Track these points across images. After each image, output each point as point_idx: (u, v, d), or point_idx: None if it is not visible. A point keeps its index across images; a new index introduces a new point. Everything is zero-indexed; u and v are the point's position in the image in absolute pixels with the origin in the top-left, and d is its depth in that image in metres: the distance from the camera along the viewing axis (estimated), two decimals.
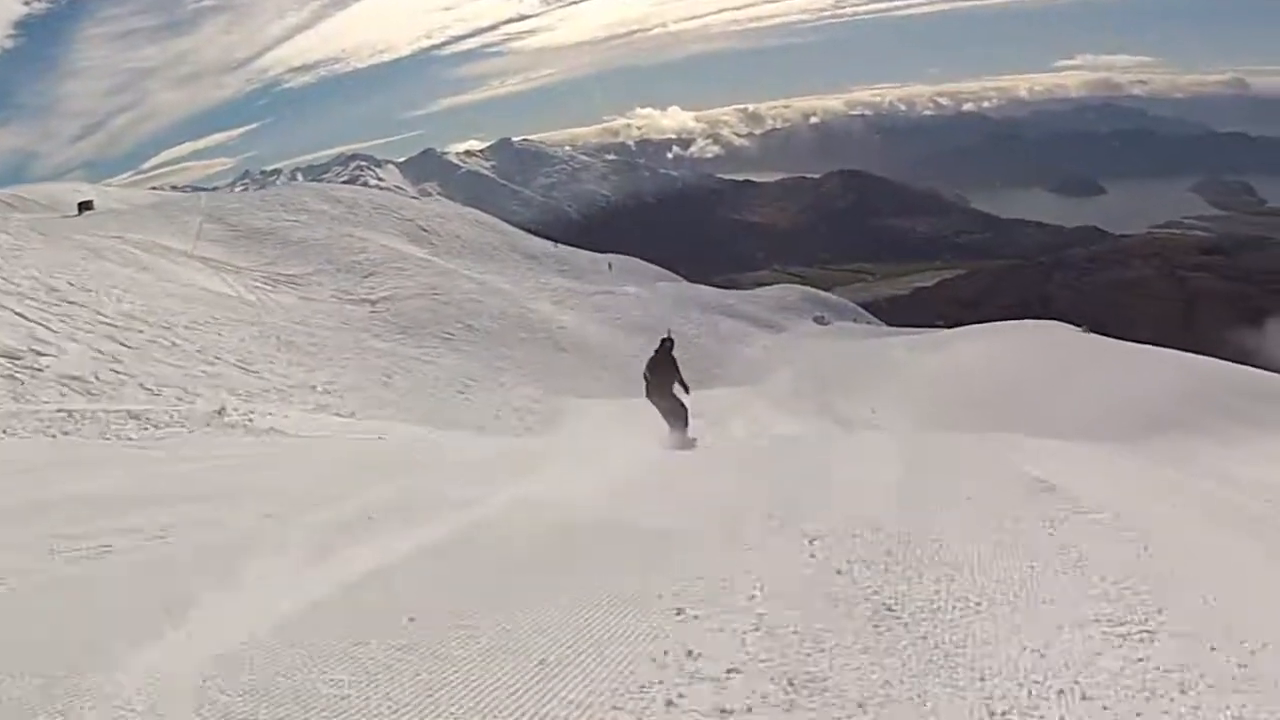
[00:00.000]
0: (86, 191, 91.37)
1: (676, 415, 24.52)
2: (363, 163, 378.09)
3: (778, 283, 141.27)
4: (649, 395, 25.30)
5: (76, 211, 76.47)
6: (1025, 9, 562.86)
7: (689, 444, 23.11)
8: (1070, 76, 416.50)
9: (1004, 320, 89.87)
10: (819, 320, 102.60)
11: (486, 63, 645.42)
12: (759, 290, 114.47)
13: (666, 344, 25.90)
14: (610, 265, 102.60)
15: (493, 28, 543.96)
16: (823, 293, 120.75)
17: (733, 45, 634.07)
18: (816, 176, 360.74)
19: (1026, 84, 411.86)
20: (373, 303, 62.39)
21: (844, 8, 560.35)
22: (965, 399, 49.56)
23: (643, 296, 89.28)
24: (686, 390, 25.22)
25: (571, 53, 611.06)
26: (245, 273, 62.11)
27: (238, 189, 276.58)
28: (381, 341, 53.55)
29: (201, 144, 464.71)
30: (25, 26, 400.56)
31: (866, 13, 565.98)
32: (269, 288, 60.03)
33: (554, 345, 66.08)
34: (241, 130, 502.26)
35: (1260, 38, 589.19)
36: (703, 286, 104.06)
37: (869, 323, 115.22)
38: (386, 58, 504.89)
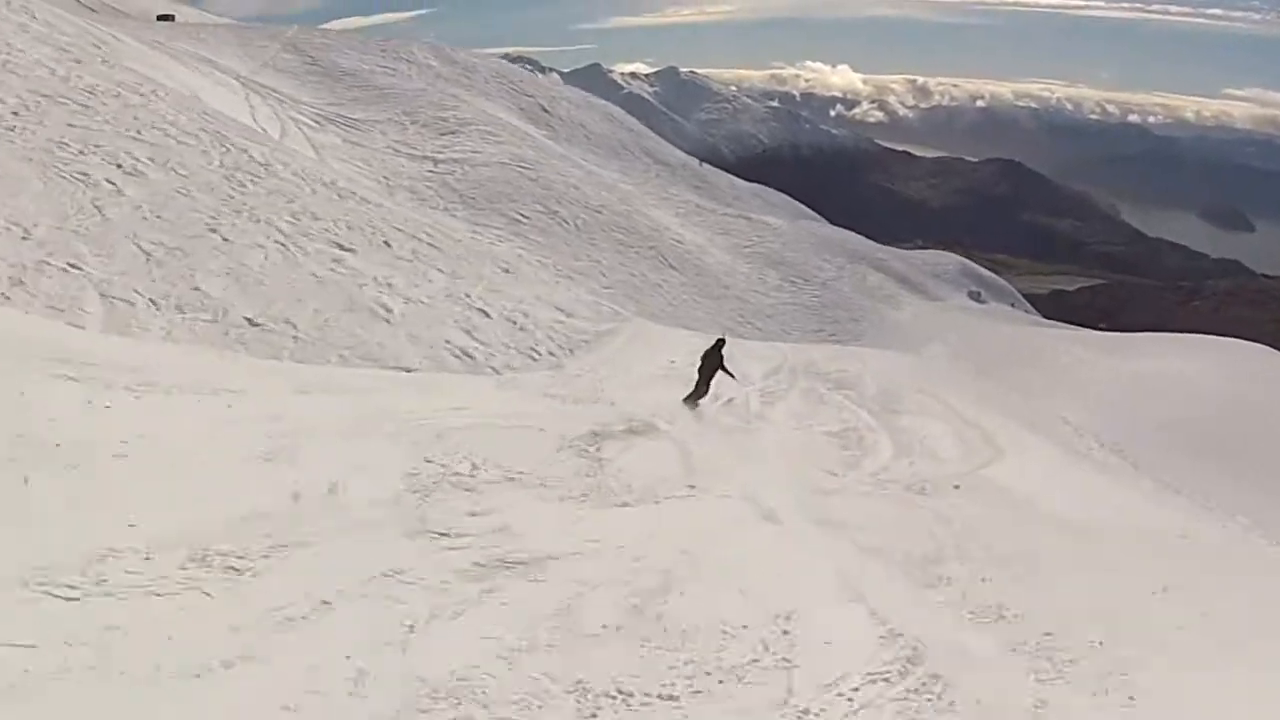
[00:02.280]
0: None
1: (700, 391, 24.17)
2: (527, 66, 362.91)
3: None
4: (699, 371, 24.50)
5: (156, 20, 68.24)
6: (1204, 31, 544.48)
7: (693, 406, 23.84)
8: (1238, 107, 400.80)
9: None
10: (974, 296, 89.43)
11: None
12: (914, 252, 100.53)
13: (720, 344, 25.07)
14: (701, 163, 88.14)
15: None
16: (981, 269, 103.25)
17: (913, 14, 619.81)
18: (974, 160, 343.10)
19: (1194, 106, 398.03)
20: (436, 161, 51.17)
21: None
22: (1187, 428, 39.80)
23: (783, 230, 75.41)
24: (732, 377, 25.22)
25: None
26: (295, 105, 51.43)
27: None
28: (424, 210, 41.02)
29: (369, 21, 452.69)
30: None
31: (1047, 6, 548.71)
32: (312, 125, 49.25)
33: (660, 259, 54.00)
34: (412, 14, 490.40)
35: None
36: (850, 233, 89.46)
37: (1026, 310, 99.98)
38: None
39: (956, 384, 40.09)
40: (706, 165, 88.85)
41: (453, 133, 55.28)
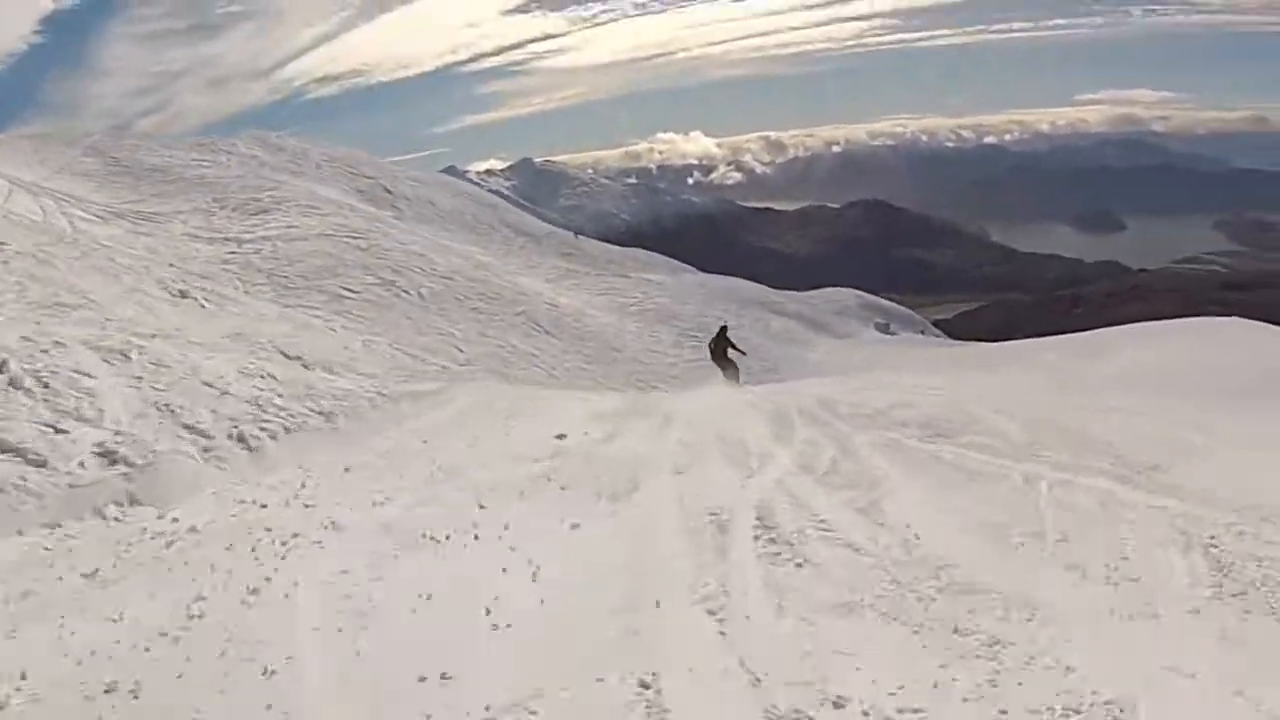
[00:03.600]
0: None
1: (732, 372, 30.62)
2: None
3: None
4: (713, 360, 31.45)
5: None
6: (1047, 43, 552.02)
7: (740, 388, 28.18)
8: (1091, 111, 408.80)
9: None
10: (882, 328, 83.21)
11: (511, 81, 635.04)
12: (808, 293, 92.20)
13: (724, 329, 32.10)
14: (577, 234, 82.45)
15: (518, 46, 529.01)
16: (882, 300, 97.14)
17: (757, 72, 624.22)
18: (837, 206, 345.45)
19: (1049, 118, 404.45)
20: (241, 242, 42.88)
21: (866, 38, 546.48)
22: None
23: (668, 284, 68.98)
24: (743, 354, 31.92)
25: (596, 74, 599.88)
26: (80, 204, 44.34)
27: None
28: (217, 289, 34.14)
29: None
30: (53, 23, 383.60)
31: (890, 44, 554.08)
32: (97, 220, 42.18)
33: (532, 325, 45.77)
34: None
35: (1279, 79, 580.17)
36: (739, 280, 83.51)
37: (937, 335, 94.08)
38: (411, 72, 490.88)
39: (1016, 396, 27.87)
40: (582, 236, 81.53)
41: (265, 211, 47.83)
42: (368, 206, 58.63)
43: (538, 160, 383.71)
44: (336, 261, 41.71)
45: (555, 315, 47.51)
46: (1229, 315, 73.00)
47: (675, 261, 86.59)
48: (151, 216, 44.75)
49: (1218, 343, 43.83)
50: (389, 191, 65.26)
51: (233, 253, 40.82)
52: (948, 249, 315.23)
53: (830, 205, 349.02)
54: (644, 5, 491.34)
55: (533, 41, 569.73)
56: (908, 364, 52.39)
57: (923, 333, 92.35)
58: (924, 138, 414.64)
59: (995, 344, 71.11)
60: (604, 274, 64.96)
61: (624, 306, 57.03)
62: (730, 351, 31.70)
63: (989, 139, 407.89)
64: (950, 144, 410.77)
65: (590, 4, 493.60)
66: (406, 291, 41.06)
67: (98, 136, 61.28)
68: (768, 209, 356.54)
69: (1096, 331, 60.31)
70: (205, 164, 57.12)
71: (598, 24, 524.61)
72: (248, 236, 43.09)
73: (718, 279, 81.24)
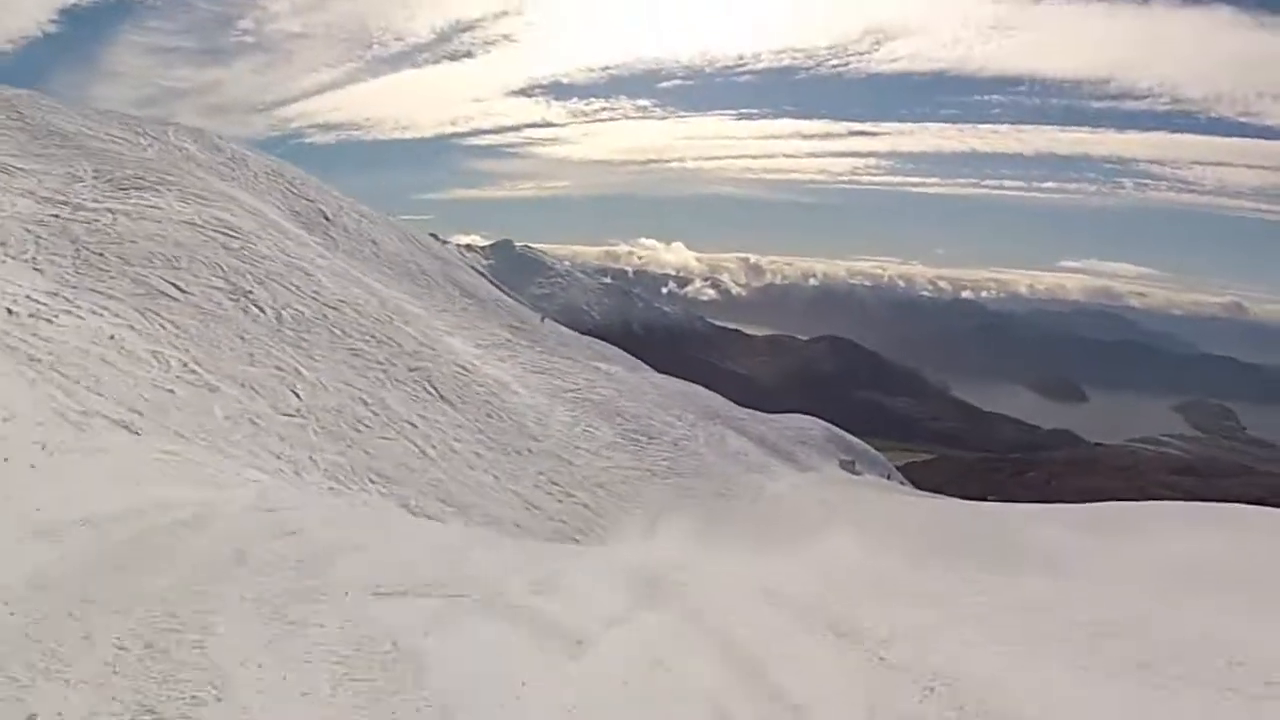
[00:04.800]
0: None
1: None
2: None
3: None
4: None
5: None
6: (1037, 205, 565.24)
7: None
8: (1071, 279, 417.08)
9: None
10: (846, 466, 70.11)
11: (504, 161, 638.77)
12: (775, 416, 79.53)
13: None
14: (544, 319, 69.03)
15: (516, 129, 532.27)
16: (849, 436, 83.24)
17: (747, 193, 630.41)
18: (804, 338, 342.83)
19: (1028, 280, 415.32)
20: (79, 208, 32.92)
21: (859, 175, 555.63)
22: None
23: (620, 375, 58.10)
24: None
25: (588, 169, 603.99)
26: None
27: None
28: None
29: None
30: (72, 17, 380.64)
31: (881, 184, 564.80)
32: None
33: (425, 387, 34.60)
34: None
35: (1264, 267, 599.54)
36: (700, 387, 72.25)
37: (901, 482, 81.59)
38: (408, 135, 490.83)
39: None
40: (549, 320, 70.53)
41: (141, 189, 37.08)
42: (295, 228, 48.44)
43: (518, 244, 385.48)
44: (184, 254, 31.78)
45: (464, 381, 37.73)
46: (1178, 500, 66.36)
47: (634, 359, 75.05)
48: (4, 167, 35.11)
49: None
50: (327, 219, 54.73)
51: (56, 216, 31.28)
52: (907, 396, 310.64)
53: (798, 336, 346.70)
54: (646, 110, 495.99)
55: (531, 126, 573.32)
56: (877, 523, 40.77)
57: (888, 477, 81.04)
58: (901, 283, 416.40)
59: (969, 502, 60.87)
60: (550, 353, 54.56)
61: (560, 390, 46.92)
62: None
63: (965, 293, 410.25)
64: (927, 293, 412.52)
65: (593, 99, 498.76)
66: (262, 309, 30.94)
67: (26, 94, 50.55)
68: (737, 330, 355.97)
69: (1095, 507, 52.90)
70: (118, 139, 46.34)
71: (598, 120, 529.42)
72: (93, 205, 33.55)
73: (676, 382, 70.95)
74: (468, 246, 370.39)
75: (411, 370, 33.50)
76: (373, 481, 23.49)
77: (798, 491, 51.30)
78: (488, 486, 27.99)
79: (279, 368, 26.82)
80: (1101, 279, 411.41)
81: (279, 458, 21.35)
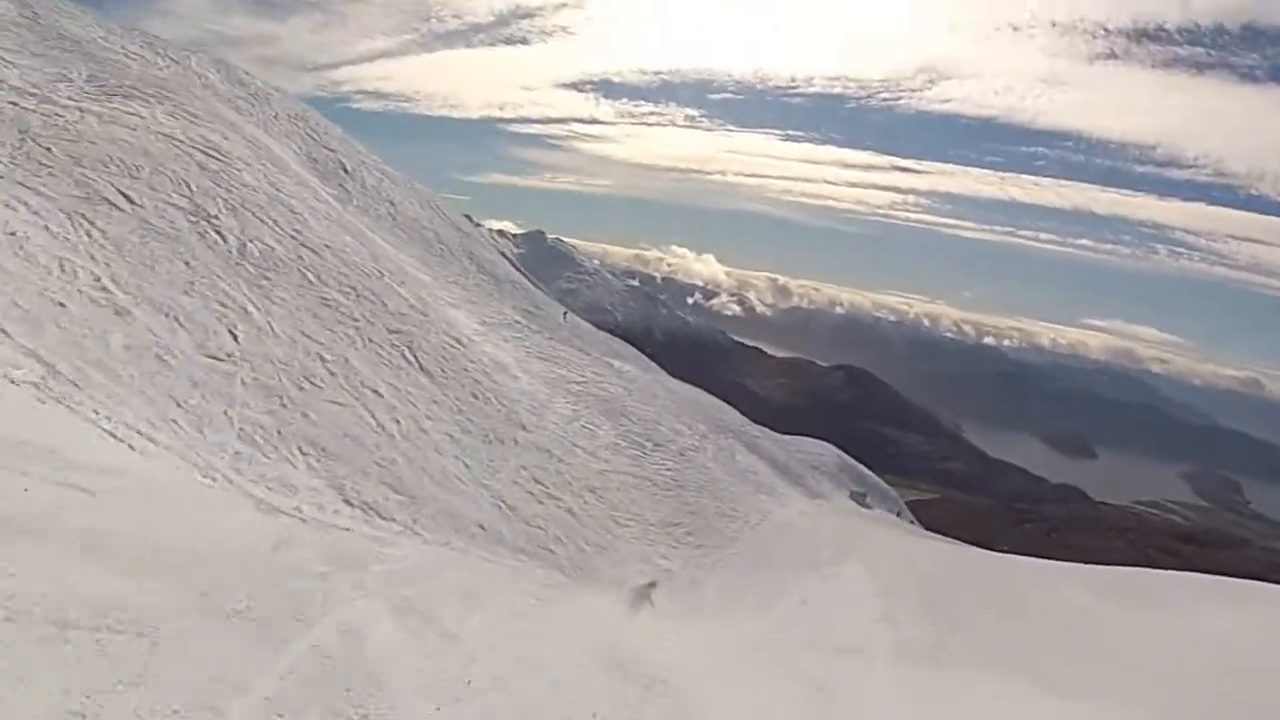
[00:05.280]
0: None
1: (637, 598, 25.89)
2: None
3: None
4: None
5: None
6: (1068, 260, 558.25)
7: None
8: (1095, 337, 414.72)
9: None
10: (857, 498, 69.21)
11: (547, 152, 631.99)
12: (788, 437, 77.33)
13: (652, 585, 27.24)
14: (566, 315, 65.38)
15: (562, 121, 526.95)
16: (861, 467, 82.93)
17: (783, 214, 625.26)
18: (824, 365, 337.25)
19: (1051, 333, 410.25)
20: (44, 100, 29.69)
21: (896, 211, 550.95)
22: None
23: (631, 375, 53.78)
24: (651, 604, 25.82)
25: (630, 171, 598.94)
26: None
27: None
28: None
29: None
30: None
31: (917, 222, 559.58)
32: None
33: (405, 354, 30.27)
34: None
35: None
36: (715, 399, 69.90)
37: (910, 521, 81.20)
38: (455, 114, 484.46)
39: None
40: (571, 315, 66.80)
41: (127, 97, 33.15)
42: (308, 174, 44.37)
43: (550, 236, 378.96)
44: (148, 165, 27.84)
45: (453, 355, 33.41)
46: (1180, 570, 63.78)
47: (649, 361, 73.21)
48: None
49: None
50: (345, 171, 50.76)
51: (14, 104, 28.09)
52: (919, 434, 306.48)
53: (818, 362, 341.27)
54: (694, 119, 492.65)
55: (578, 121, 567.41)
56: (890, 564, 39.48)
57: (898, 513, 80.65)
58: (926, 321, 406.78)
59: (982, 551, 55.90)
60: (560, 342, 50.59)
61: (564, 380, 42.79)
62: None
63: (988, 339, 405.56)
64: (950, 334, 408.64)
65: (643, 102, 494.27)
66: (223, 236, 26.76)
67: None
68: (757, 349, 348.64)
69: (1113, 570, 46.68)
70: (133, 54, 43.00)
71: (645, 123, 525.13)
72: (65, 103, 29.87)
73: (691, 390, 68.68)
74: (500, 232, 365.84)
75: (392, 333, 29.41)
76: (303, 452, 19.55)
77: (807, 520, 48.20)
78: (454, 477, 24.23)
79: (222, 303, 22.74)
80: (1125, 340, 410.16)
81: (180, 405, 17.65)
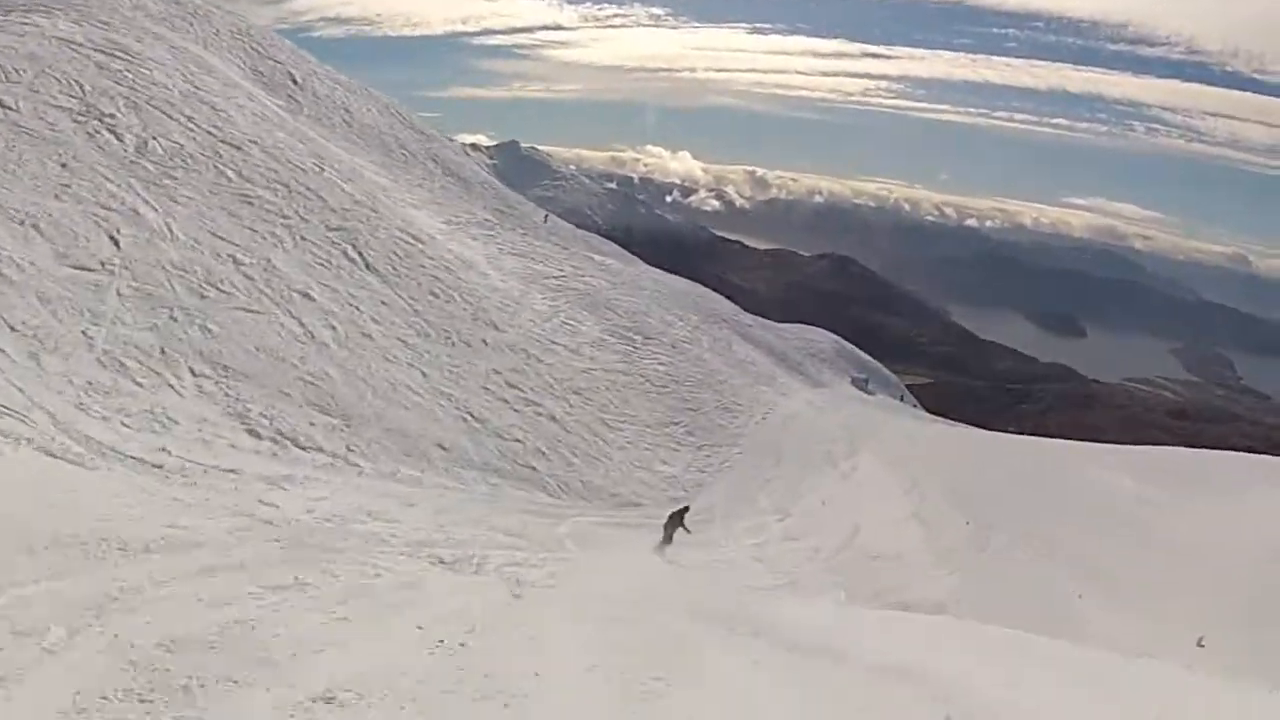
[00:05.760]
0: None
1: (667, 537, 25.01)
2: None
3: None
4: (664, 526, 25.55)
5: None
6: (1046, 140, 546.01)
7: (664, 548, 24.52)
8: (1076, 215, 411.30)
9: None
10: (860, 384, 70.46)
11: (514, 63, 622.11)
12: (783, 325, 79.35)
13: (685, 510, 25.95)
14: (546, 217, 62.51)
15: (528, 30, 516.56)
16: (859, 351, 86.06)
17: (756, 107, 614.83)
18: (807, 254, 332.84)
19: (1033, 213, 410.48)
20: None
21: (870, 97, 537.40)
22: None
23: (615, 268, 51.33)
24: (689, 532, 25.32)
25: (599, 74, 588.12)
26: None
27: None
28: None
29: None
30: None
31: (891, 107, 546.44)
32: None
33: (347, 252, 26.65)
34: None
35: (1269, 222, 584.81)
36: (705, 289, 68.28)
37: (914, 404, 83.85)
38: (418, 32, 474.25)
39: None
40: (552, 218, 63.26)
41: (27, 10, 30.94)
42: (255, 88, 41.35)
43: (524, 145, 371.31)
44: (33, 68, 25.33)
45: (408, 253, 29.66)
46: (1172, 444, 61.77)
47: (632, 255, 69.57)
48: None
49: None
50: (295, 82, 47.34)
51: None
52: (905, 319, 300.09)
53: (800, 252, 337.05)
54: (659, 18, 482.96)
55: (543, 29, 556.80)
56: (914, 457, 36.89)
57: (901, 398, 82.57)
58: (906, 206, 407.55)
59: (1001, 435, 57.65)
60: (535, 238, 47.51)
61: (540, 276, 39.35)
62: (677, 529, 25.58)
63: (970, 220, 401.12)
64: (931, 218, 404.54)
65: (606, 4, 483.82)
66: (119, 136, 23.60)
67: None
68: (739, 243, 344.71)
69: (1154, 450, 46.76)
70: None
71: (610, 25, 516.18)
72: None
73: (679, 280, 64.46)
74: (473, 146, 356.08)
75: (332, 230, 26.19)
76: (194, 373, 16.27)
77: (814, 411, 47.20)
78: (408, 388, 21.24)
79: (105, 206, 19.66)
80: (1107, 218, 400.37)
81: (14, 329, 14.35)
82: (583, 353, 33.58)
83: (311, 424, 16.84)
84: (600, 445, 26.92)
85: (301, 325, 19.53)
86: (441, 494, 18.60)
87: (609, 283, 44.31)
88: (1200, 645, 19.31)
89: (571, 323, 34.99)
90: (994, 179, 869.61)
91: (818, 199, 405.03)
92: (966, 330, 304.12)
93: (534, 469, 21.99)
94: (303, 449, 16.06)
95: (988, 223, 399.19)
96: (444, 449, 19.88)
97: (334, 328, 20.41)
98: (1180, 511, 29.69)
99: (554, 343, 31.44)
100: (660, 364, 38.40)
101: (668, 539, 24.94)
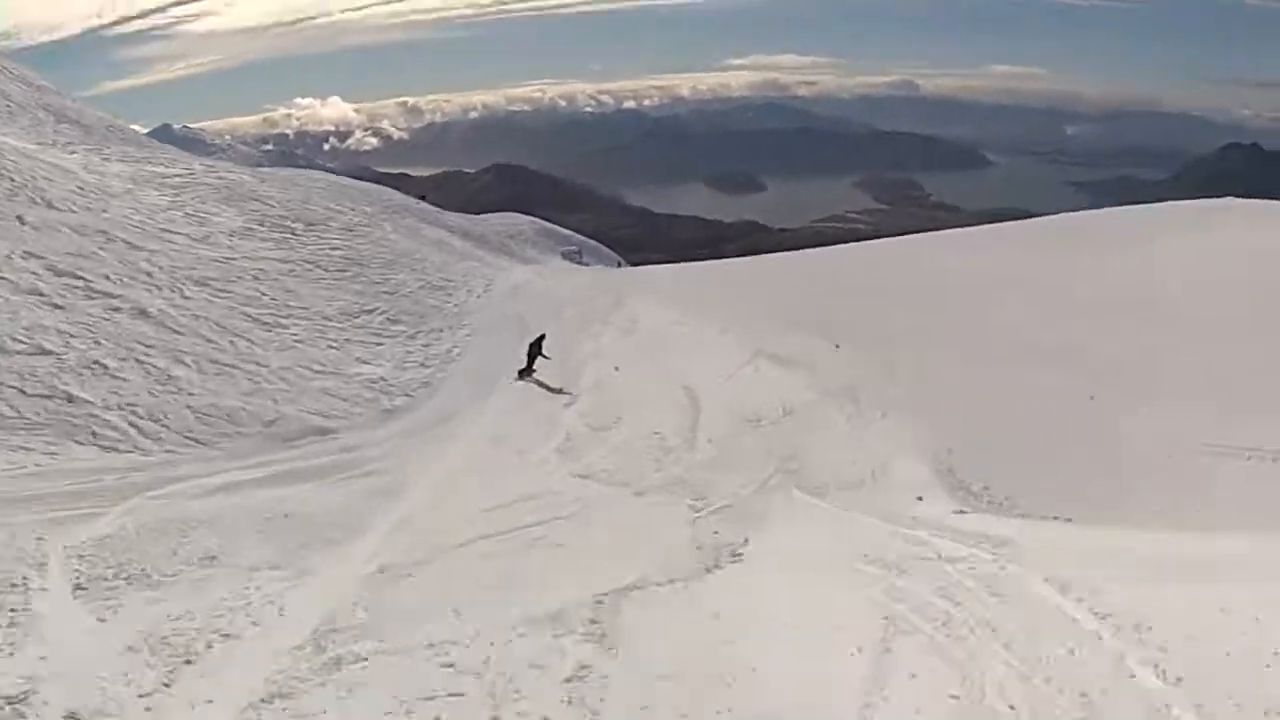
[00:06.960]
0: None
1: (528, 369, 26.25)
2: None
3: None
4: (526, 354, 27.00)
5: None
6: (693, 11, 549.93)
7: (524, 379, 26.00)
8: (735, 76, 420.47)
9: None
10: (572, 257, 70.84)
11: (155, 45, 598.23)
12: (477, 216, 72.29)
13: (541, 337, 26.96)
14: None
15: (160, 9, 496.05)
16: (561, 229, 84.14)
17: (395, 38, 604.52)
18: (472, 171, 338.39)
19: (690, 83, 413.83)
20: None
21: (508, 4, 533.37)
22: None
23: (265, 173, 47.81)
24: (547, 358, 26.42)
25: (236, 39, 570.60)
26: None
27: None
28: None
29: None
30: None
31: (529, 10, 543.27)
32: None
33: None
34: None
35: (928, 44, 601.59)
36: (385, 187, 66.22)
37: (620, 262, 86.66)
38: (59, 35, 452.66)
39: None
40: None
41: None
42: None
43: (176, 126, 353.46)
44: None
45: None
46: None
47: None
48: None
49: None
50: None
51: None
52: (584, 212, 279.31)
53: (466, 170, 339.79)
54: None
55: (175, 5, 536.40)
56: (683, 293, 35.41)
57: (619, 264, 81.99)
58: (562, 103, 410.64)
59: (793, 254, 54.75)
60: (162, 156, 38.44)
61: (158, 176, 31.61)
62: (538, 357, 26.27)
63: (629, 104, 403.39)
64: (589, 109, 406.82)
65: None
66: None
67: None
68: (403, 174, 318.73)
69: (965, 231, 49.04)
70: None
71: None
72: None
73: (349, 181, 63.18)
74: None
75: None
76: None
77: (545, 281, 42.17)
78: None
79: None
80: (766, 72, 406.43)
81: None
82: (216, 241, 26.08)
83: None
84: (244, 348, 19.49)
85: None
86: None
87: (256, 179, 36.41)
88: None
89: (197, 214, 27.55)
90: (646, 59, 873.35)
91: (473, 115, 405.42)
92: (645, 209, 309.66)
93: (80, 400, 14.89)
94: None
95: (646, 102, 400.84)
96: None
97: None
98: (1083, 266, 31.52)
99: (169, 232, 23.95)
100: (334, 248, 31.03)
101: (528, 370, 25.38)
